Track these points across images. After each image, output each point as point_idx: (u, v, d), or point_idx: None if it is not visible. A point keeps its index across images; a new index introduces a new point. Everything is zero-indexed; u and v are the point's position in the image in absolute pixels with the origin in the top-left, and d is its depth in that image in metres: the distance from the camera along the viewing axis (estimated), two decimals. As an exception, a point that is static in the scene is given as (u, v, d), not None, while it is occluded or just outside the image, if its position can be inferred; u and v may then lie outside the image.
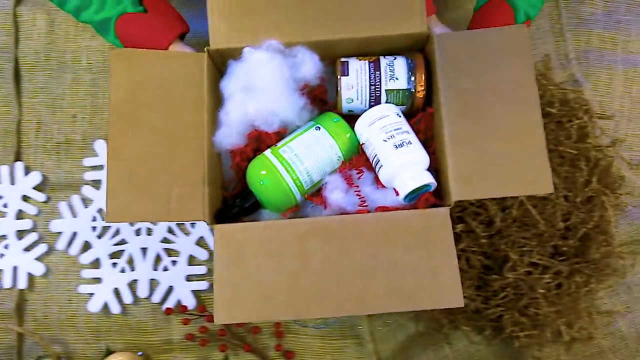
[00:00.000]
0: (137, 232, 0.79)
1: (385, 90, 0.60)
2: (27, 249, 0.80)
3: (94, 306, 0.77)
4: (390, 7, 0.60)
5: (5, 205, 0.81)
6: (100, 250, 0.79)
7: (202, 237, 0.79)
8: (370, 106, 0.61)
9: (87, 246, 0.80)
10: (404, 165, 0.57)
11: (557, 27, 0.85)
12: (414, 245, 0.54)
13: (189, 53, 0.60)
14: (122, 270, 0.78)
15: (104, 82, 0.85)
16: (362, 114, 0.61)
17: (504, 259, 0.68)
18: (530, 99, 0.57)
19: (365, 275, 0.54)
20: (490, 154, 0.56)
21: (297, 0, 0.60)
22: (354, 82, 0.60)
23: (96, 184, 0.82)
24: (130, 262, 0.79)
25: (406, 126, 0.59)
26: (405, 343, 0.76)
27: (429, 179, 0.57)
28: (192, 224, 0.79)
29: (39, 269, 0.79)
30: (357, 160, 0.61)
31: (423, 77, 0.60)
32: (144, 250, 0.79)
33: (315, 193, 0.61)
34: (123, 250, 0.79)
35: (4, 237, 0.80)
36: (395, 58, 0.61)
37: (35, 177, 0.81)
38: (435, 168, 0.60)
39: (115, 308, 0.77)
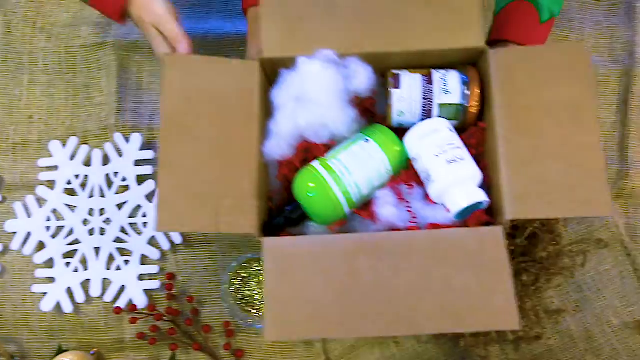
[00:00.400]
0: (91, 232, 0.80)
1: (438, 104, 0.59)
2: (-18, 249, 0.81)
3: (47, 305, 0.78)
4: (446, 20, 0.59)
5: (-39, 205, 0.82)
6: (54, 250, 0.80)
7: (153, 237, 0.79)
8: (422, 120, 0.60)
9: (41, 246, 0.80)
10: (456, 182, 0.56)
11: None
12: (467, 264, 0.53)
13: (240, 61, 0.59)
14: (76, 270, 0.79)
15: (60, 83, 0.87)
16: (411, 127, 0.60)
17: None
18: (589, 119, 0.56)
19: (416, 294, 0.53)
20: (547, 173, 0.55)
21: (352, 10, 0.59)
22: (406, 95, 0.59)
23: (50, 184, 0.82)
24: (84, 261, 0.79)
25: (458, 142, 0.58)
26: (353, 342, 0.76)
27: (482, 196, 0.56)
28: (144, 224, 0.79)
29: (-7, 269, 0.80)
30: (407, 175, 0.59)
31: (478, 92, 0.59)
32: (97, 250, 0.79)
33: (363, 206, 0.60)
34: (76, 250, 0.80)
35: (-40, 236, 0.81)
36: (448, 72, 0.60)
37: (-9, 178, 0.82)
38: (486, 184, 0.59)
39: (67, 307, 0.78)
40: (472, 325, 0.53)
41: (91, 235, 0.80)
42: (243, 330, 0.77)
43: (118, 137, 0.82)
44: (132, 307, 0.76)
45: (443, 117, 0.60)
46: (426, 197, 0.59)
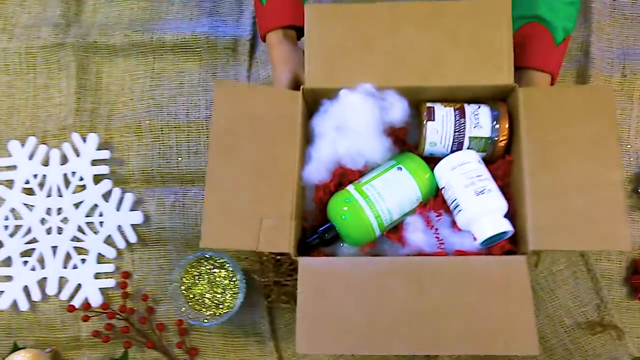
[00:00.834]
0: (48, 231, 0.82)
1: (469, 137, 0.63)
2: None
3: (3, 303, 0.80)
4: (478, 59, 0.62)
5: None
6: (12, 248, 0.82)
7: (109, 236, 0.81)
8: (452, 151, 0.64)
9: (-1, 245, 0.82)
10: (483, 212, 0.59)
11: None
12: (491, 291, 0.56)
13: (285, 91, 0.64)
14: (33, 269, 0.81)
15: (21, 84, 0.89)
16: (442, 157, 0.64)
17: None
18: (613, 157, 0.58)
19: (441, 317, 0.56)
20: (570, 207, 0.58)
21: (389, 46, 0.63)
22: (439, 127, 0.63)
23: (9, 183, 0.85)
24: (41, 260, 0.81)
25: (486, 173, 0.62)
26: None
27: (507, 226, 0.59)
28: (101, 223, 0.81)
29: (-49, 267, 0.82)
30: (435, 203, 0.63)
31: (506, 127, 0.62)
32: (54, 248, 0.81)
33: (393, 230, 0.64)
34: (34, 249, 0.81)
35: None
36: (479, 107, 0.63)
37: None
38: (511, 214, 0.62)
39: (24, 305, 0.80)
40: (494, 349, 0.56)
41: (49, 234, 0.82)
42: (197, 329, 0.79)
43: (76, 137, 0.84)
44: (85, 305, 0.78)
45: (472, 149, 0.63)
46: (453, 224, 0.62)
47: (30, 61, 0.90)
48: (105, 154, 0.84)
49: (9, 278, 0.82)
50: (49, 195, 0.84)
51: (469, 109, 0.63)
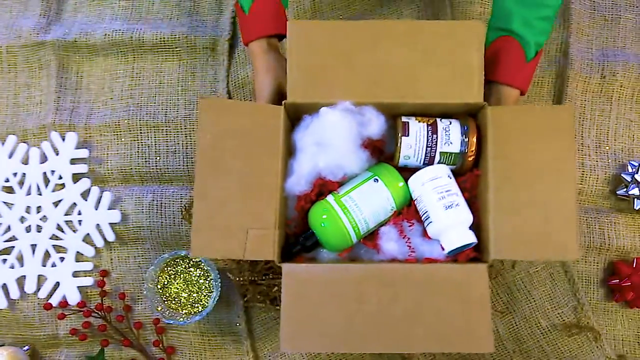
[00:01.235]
0: (28, 229, 0.83)
1: (440, 152, 0.67)
2: None
3: None
4: (451, 77, 0.66)
5: None
6: None
7: (88, 235, 0.83)
8: (425, 164, 0.68)
9: (-23, 243, 0.83)
10: (451, 225, 0.64)
11: None
12: (455, 296, 0.62)
13: (268, 106, 0.66)
14: (12, 267, 0.82)
15: (2, 83, 0.90)
16: (415, 167, 0.68)
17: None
18: (569, 176, 0.64)
19: (411, 319, 0.62)
20: (528, 221, 0.63)
21: (370, 63, 0.65)
22: (412, 143, 0.67)
23: None
24: (20, 258, 0.83)
25: (455, 188, 0.67)
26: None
27: (472, 238, 0.65)
28: (80, 221, 0.83)
29: None
30: (409, 212, 0.68)
31: (475, 142, 0.67)
32: (33, 247, 0.83)
33: (369, 237, 0.68)
34: (13, 247, 0.83)
35: None
36: (450, 122, 0.68)
37: None
38: (476, 224, 0.68)
39: (2, 303, 0.82)
40: (455, 348, 0.63)
41: (28, 232, 0.83)
42: (174, 328, 0.80)
43: (55, 135, 0.84)
44: (62, 303, 0.80)
45: (443, 163, 0.68)
46: (424, 233, 0.67)
47: (11, 60, 0.89)
48: (84, 153, 0.84)
49: (-13, 276, 0.82)
50: (28, 194, 0.84)
51: (440, 124, 0.68)
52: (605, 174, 0.83)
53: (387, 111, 0.67)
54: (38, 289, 0.82)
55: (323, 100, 0.65)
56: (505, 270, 0.78)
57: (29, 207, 0.84)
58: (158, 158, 0.84)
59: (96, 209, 0.83)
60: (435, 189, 0.65)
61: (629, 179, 0.82)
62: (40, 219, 0.83)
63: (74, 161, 0.84)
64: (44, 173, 0.84)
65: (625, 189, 0.82)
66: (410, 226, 0.67)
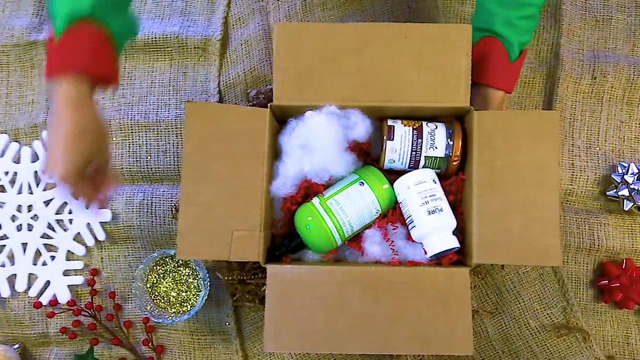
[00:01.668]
0: (19, 228, 0.84)
1: (425, 156, 0.68)
2: None
3: None
4: (438, 81, 0.66)
5: None
6: None
7: (79, 233, 0.83)
8: (410, 167, 0.69)
9: (-31, 241, 0.83)
10: (434, 230, 0.65)
11: None
12: (436, 298, 0.63)
13: (254, 109, 0.66)
14: (3, 265, 0.83)
15: None
16: (401, 170, 0.69)
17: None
18: (552, 182, 0.65)
19: (392, 321, 0.63)
20: (511, 226, 0.64)
21: (356, 67, 0.66)
22: (397, 147, 0.67)
23: None
24: (11, 257, 0.83)
25: (440, 193, 0.67)
26: None
27: (454, 243, 0.65)
28: (70, 220, 0.83)
29: None
30: (393, 215, 0.69)
31: (460, 147, 0.67)
32: (24, 245, 0.83)
33: (354, 239, 0.69)
34: (4, 246, 0.83)
35: None
36: (436, 127, 0.68)
37: None
38: (461, 227, 0.68)
39: None
40: (435, 350, 0.63)
41: (19, 231, 0.83)
42: (164, 327, 0.81)
43: (46, 135, 0.84)
44: (52, 302, 0.80)
45: (428, 167, 0.69)
46: (408, 236, 0.68)
47: (3, 59, 0.89)
48: (75, 152, 0.84)
49: (-22, 274, 0.83)
50: (19, 193, 0.85)
51: (426, 128, 0.68)
52: (595, 175, 0.83)
53: (374, 114, 0.68)
54: (29, 288, 0.83)
55: (310, 103, 0.66)
56: (495, 271, 0.78)
57: (20, 205, 0.85)
58: (149, 157, 0.85)
59: (87, 208, 0.83)
60: (420, 194, 0.66)
61: (618, 180, 0.82)
62: (31, 218, 0.84)
63: (65, 160, 0.85)
64: (35, 172, 0.85)
65: (615, 190, 0.83)
66: (394, 229, 0.68)
